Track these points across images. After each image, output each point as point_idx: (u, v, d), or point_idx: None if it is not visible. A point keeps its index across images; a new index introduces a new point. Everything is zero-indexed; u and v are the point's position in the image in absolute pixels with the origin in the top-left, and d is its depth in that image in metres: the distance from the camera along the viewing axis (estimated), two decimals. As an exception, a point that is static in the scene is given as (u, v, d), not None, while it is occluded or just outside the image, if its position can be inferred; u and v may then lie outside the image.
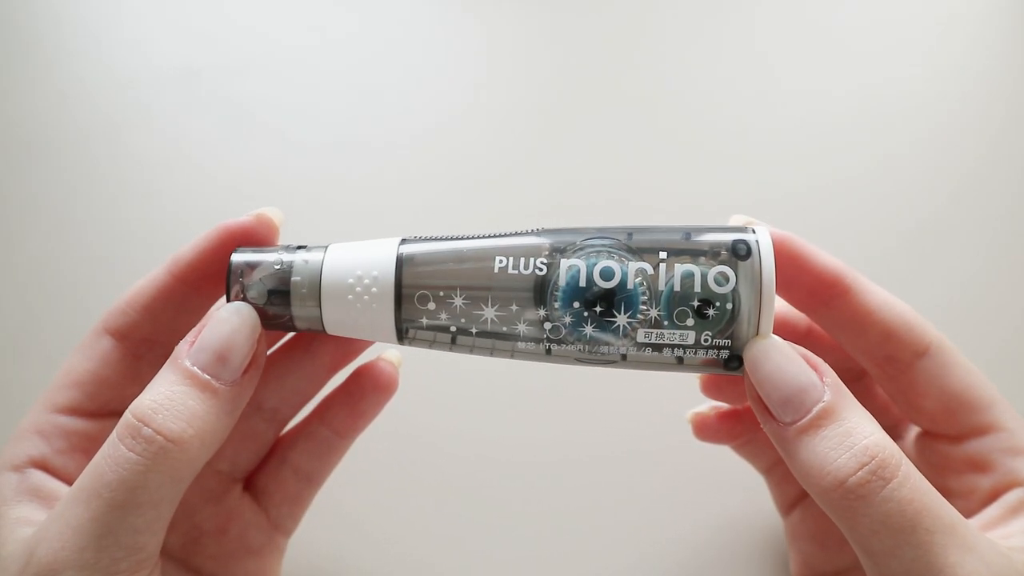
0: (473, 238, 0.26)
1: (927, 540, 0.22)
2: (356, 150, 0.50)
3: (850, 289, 0.28)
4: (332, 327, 0.26)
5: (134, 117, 0.51)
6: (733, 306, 0.24)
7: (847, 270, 0.28)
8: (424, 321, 0.25)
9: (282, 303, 0.26)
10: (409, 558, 0.37)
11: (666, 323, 0.25)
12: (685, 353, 0.25)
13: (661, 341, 0.25)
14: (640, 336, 0.25)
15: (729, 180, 0.47)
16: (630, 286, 0.25)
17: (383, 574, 0.37)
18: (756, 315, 0.24)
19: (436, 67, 0.53)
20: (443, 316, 0.25)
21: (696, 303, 0.24)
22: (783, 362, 0.24)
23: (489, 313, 0.25)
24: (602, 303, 0.25)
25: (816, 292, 0.28)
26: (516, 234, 0.26)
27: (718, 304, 0.24)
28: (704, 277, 0.25)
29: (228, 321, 0.25)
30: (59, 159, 0.50)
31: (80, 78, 0.53)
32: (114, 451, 0.22)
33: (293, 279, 0.26)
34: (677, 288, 0.25)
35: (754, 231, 0.25)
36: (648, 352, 0.25)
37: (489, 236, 0.26)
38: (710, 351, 0.25)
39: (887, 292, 0.28)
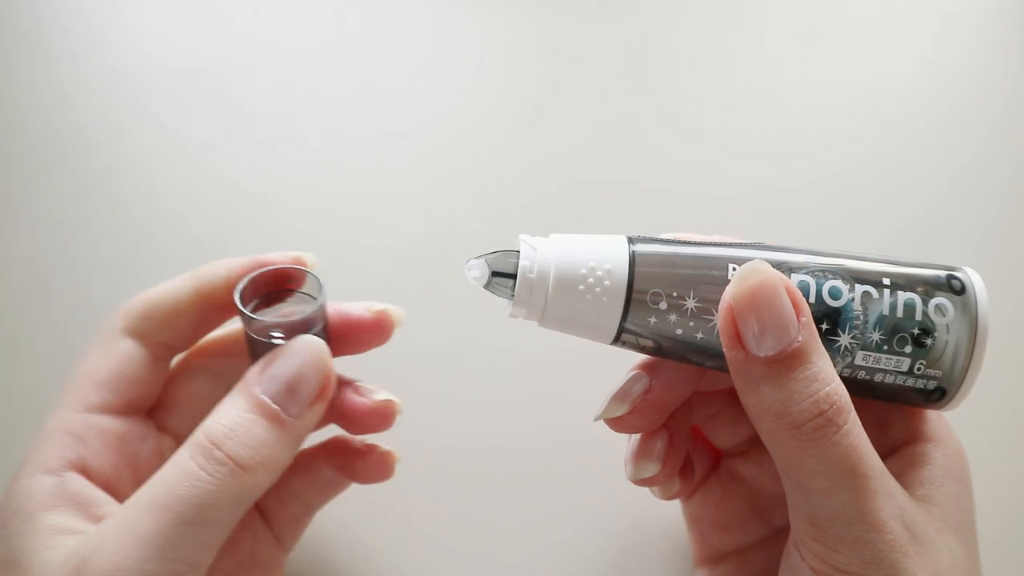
0: (694, 244, 0.26)
1: (861, 484, 0.23)
2: (357, 147, 0.50)
3: None
4: (551, 319, 0.25)
5: (134, 117, 0.51)
6: (949, 339, 0.25)
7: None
8: (652, 321, 0.25)
9: (504, 287, 0.24)
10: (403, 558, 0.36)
11: (885, 347, 0.25)
12: (896, 380, 0.25)
13: (877, 365, 0.25)
14: (859, 358, 0.25)
15: (729, 172, 0.49)
16: (856, 308, 0.25)
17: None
18: (969, 350, 0.25)
19: (436, 63, 0.54)
20: (672, 318, 0.25)
21: (916, 331, 0.25)
22: (770, 295, 0.23)
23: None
24: (828, 321, 0.25)
25: None
26: (737, 245, 0.26)
27: (936, 335, 0.25)
28: (925, 307, 0.25)
29: (300, 353, 0.25)
30: (60, 158, 0.49)
31: (81, 78, 0.52)
32: (186, 468, 0.23)
33: (521, 263, 0.24)
34: (900, 315, 0.25)
35: (963, 269, 0.26)
36: (861, 375, 0.25)
37: (709, 244, 0.26)
38: (919, 380, 0.25)
39: None
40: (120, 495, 0.26)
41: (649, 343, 0.25)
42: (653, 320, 0.25)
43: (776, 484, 0.31)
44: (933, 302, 0.25)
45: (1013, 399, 0.40)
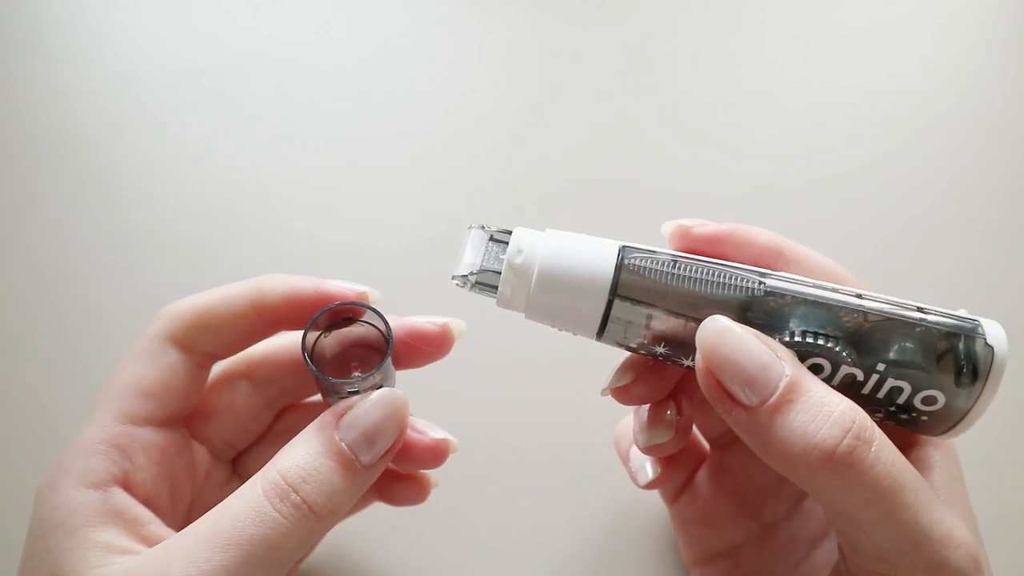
0: (691, 267, 0.24)
1: (914, 499, 0.22)
2: (357, 147, 0.50)
3: (783, 253, 0.28)
4: (534, 316, 0.25)
5: (134, 117, 0.51)
6: (927, 419, 0.24)
7: (783, 240, 0.28)
8: (628, 343, 0.25)
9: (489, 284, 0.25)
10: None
11: None
12: None
13: None
14: None
15: (729, 172, 0.49)
16: (835, 383, 0.24)
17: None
18: (957, 419, 0.24)
19: (436, 63, 0.54)
20: (652, 349, 0.25)
21: (892, 408, 0.24)
22: (740, 343, 0.23)
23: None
24: None
25: (758, 262, 0.28)
26: (734, 286, 0.24)
27: (914, 415, 0.24)
28: (912, 395, 0.24)
29: (383, 406, 0.25)
30: (60, 158, 0.49)
31: (81, 78, 0.52)
32: (260, 507, 0.23)
33: (506, 260, 0.25)
34: (880, 396, 0.24)
35: (991, 346, 0.24)
36: None
37: (710, 282, 0.24)
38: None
39: (818, 253, 0.28)
40: (158, 509, 0.26)
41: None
42: (630, 343, 0.25)
43: (764, 473, 0.31)
44: (923, 394, 0.24)
45: (1014, 400, 0.40)
